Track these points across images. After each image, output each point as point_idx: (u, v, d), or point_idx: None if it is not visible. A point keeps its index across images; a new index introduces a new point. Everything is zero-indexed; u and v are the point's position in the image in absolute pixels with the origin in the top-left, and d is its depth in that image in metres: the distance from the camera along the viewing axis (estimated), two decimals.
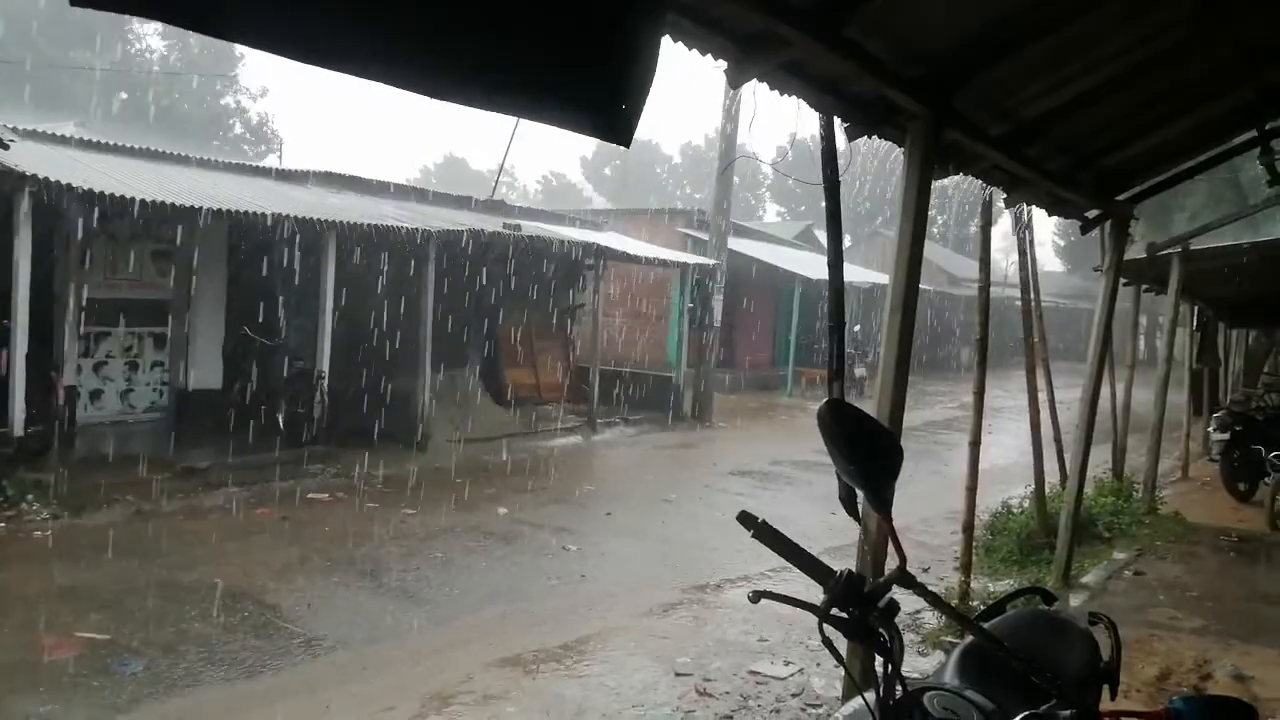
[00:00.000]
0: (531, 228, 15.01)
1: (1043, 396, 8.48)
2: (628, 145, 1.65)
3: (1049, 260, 50.02)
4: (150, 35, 35.10)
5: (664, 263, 17.80)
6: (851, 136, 4.34)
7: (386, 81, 1.34)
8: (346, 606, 6.65)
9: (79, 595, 6.40)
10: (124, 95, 26.46)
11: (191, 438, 10.78)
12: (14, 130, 10.35)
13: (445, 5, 1.32)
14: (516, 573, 7.78)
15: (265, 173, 15.17)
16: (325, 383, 11.48)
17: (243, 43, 1.24)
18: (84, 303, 10.67)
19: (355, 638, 6.12)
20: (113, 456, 9.71)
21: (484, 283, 14.64)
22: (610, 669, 5.70)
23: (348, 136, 72.96)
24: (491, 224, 14.02)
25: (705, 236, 19.24)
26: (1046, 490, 8.17)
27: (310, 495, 9.69)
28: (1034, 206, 6.72)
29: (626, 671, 5.64)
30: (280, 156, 35.20)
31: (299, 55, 1.23)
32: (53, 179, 8.99)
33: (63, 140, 12.56)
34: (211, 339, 12.36)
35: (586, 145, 62.64)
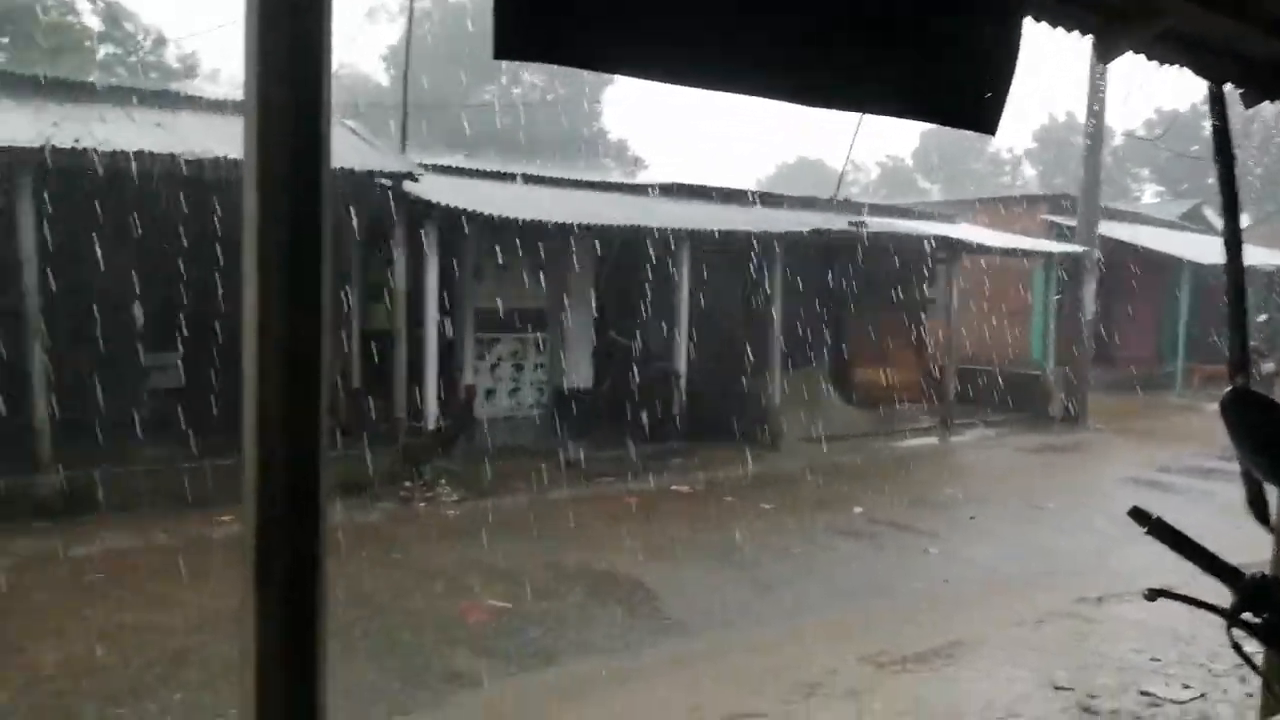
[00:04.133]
0: (878, 224, 14.73)
1: None
2: (993, 133, 1.60)
3: None
4: (530, 71, 39.01)
5: (1025, 253, 16.64)
6: (1248, 103, 3.77)
7: (763, 95, 1.41)
8: (711, 593, 6.94)
9: (484, 568, 7.26)
10: (504, 126, 29.63)
11: (567, 432, 11.81)
12: (421, 165, 11.98)
13: (814, 16, 1.36)
14: (875, 572, 7.67)
15: (627, 188, 16.23)
16: (683, 382, 12.07)
17: (644, 77, 1.36)
18: (478, 312, 12.16)
19: (720, 622, 6.38)
20: (505, 447, 10.92)
21: (831, 281, 14.61)
22: (980, 676, 5.44)
23: (702, 147, 75.69)
24: (837, 222, 13.96)
25: (1071, 222, 17.72)
26: None
27: (673, 487, 10.23)
28: None
29: (998, 681, 5.35)
30: (637, 173, 37.49)
31: (690, 81, 1.36)
32: (452, 205, 10.28)
33: (455, 170, 14.30)
34: (582, 343, 13.46)
35: (916, 132, 60.13)
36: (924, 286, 16.87)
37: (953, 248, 15.08)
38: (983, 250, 15.72)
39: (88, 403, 9.15)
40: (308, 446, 0.82)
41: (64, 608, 6.21)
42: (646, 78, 1.33)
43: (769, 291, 12.82)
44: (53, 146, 8.16)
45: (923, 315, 17.03)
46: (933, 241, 14.76)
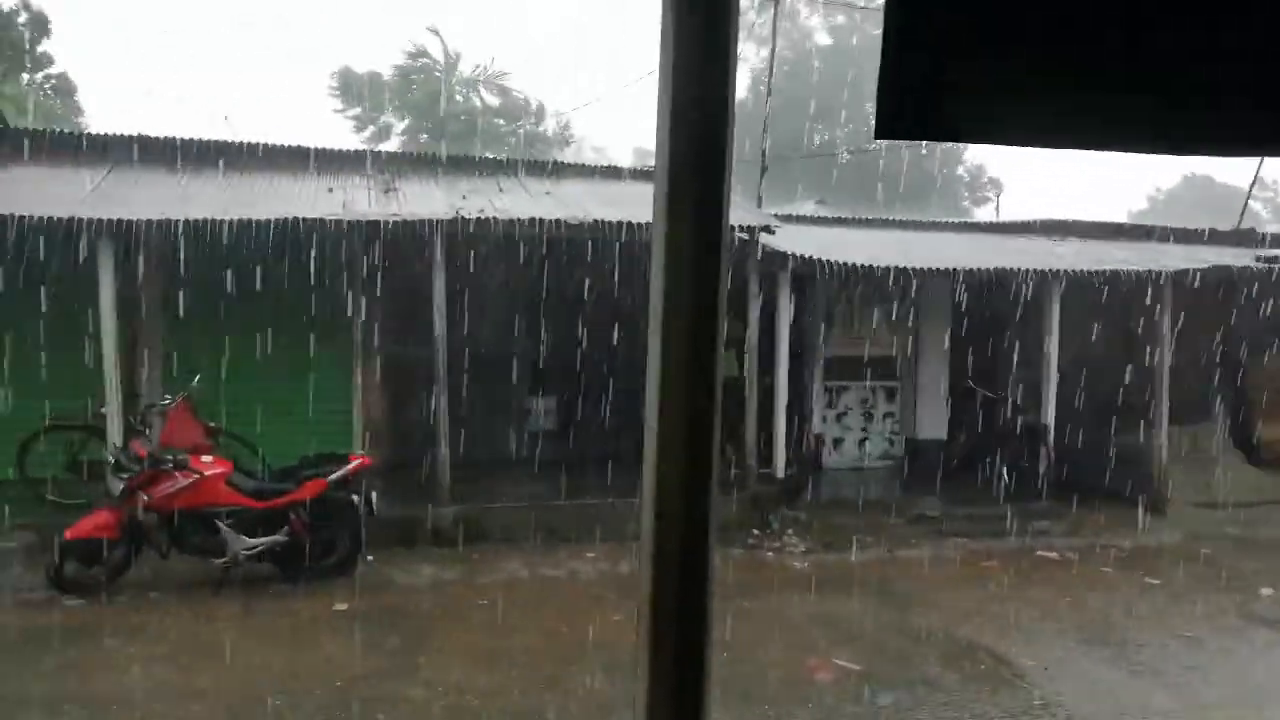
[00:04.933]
0: None
1: None
2: None
3: None
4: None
5: None
6: None
7: (1140, 150, 1.32)
8: (1083, 674, 6.33)
9: (832, 624, 7.18)
10: (854, 163, 29.50)
11: (919, 485, 11.36)
12: (774, 216, 12.25)
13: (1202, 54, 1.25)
14: None
15: (985, 227, 15.49)
16: (1050, 436, 11.19)
17: (1026, 145, 1.33)
18: (827, 360, 12.15)
19: (1096, 709, 5.80)
20: (852, 499, 10.74)
21: (1230, 326, 12.82)
22: None
23: (1066, 175, 69.39)
24: (1241, 257, 12.26)
25: None
26: None
27: (1039, 552, 9.44)
28: None
29: None
30: (997, 207, 35.57)
31: (1073, 144, 1.29)
32: (804, 254, 10.40)
33: (805, 219, 14.45)
34: (936, 391, 12.94)
35: None
36: None
37: None
38: None
39: (477, 442, 10.35)
40: (700, 518, 0.83)
41: (459, 629, 7.03)
42: (1028, 145, 1.32)
43: (1154, 337, 11.52)
44: (463, 217, 9.41)
45: None
46: None
